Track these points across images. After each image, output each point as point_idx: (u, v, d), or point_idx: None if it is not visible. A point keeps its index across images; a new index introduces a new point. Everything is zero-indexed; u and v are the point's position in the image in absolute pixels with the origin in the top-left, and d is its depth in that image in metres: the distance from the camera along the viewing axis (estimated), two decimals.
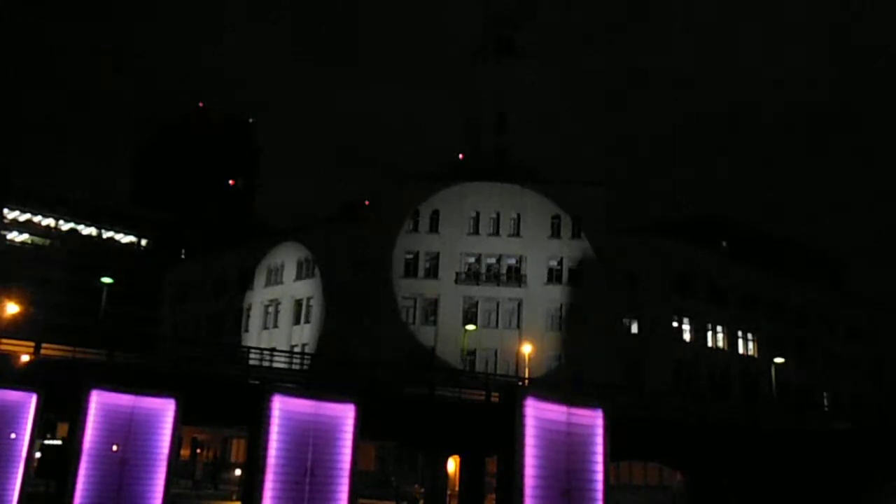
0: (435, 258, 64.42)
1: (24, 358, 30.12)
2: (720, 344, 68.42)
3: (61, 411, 22.08)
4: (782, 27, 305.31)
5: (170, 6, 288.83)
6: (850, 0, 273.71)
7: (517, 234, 65.03)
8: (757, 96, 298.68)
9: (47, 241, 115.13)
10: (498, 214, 65.44)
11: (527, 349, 55.34)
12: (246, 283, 73.50)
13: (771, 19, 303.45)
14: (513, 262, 64.48)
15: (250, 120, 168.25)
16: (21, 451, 17.17)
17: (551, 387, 46.89)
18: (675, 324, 65.47)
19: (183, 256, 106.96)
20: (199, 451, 61.76)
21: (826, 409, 71.19)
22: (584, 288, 63.38)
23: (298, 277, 68.82)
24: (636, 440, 31.55)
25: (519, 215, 65.34)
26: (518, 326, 61.75)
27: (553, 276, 64.10)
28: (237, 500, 40.18)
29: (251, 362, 39.51)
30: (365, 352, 55.25)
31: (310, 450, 14.90)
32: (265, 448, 14.51)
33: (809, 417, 51.29)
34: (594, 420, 13.38)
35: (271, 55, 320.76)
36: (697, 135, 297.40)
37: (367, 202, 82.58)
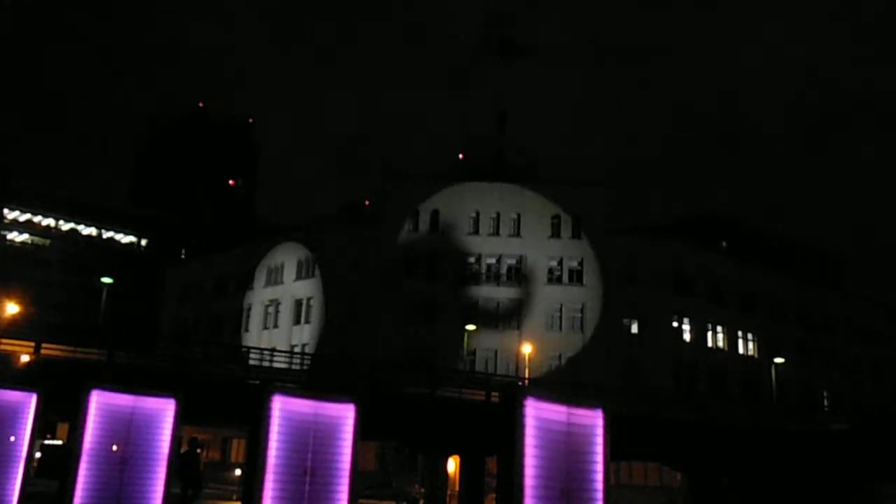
0: (435, 258, 64.42)
1: (24, 358, 30.10)
2: (720, 344, 68.41)
3: (61, 411, 22.10)
4: (782, 28, 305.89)
5: (170, 5, 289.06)
6: None
7: (517, 234, 65.07)
8: (757, 97, 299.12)
9: (47, 241, 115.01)
10: (498, 214, 65.48)
11: (527, 349, 55.34)
12: (246, 283, 73.56)
13: (769, 19, 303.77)
14: (513, 262, 64.51)
15: (250, 120, 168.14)
16: (21, 451, 17.15)
17: (551, 386, 46.90)
18: (675, 324, 65.43)
19: (183, 256, 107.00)
20: (199, 450, 61.78)
21: (826, 409, 71.19)
22: (584, 288, 63.43)
23: (298, 277, 68.88)
24: (636, 440, 31.56)
25: (519, 215, 65.37)
26: (518, 326, 61.76)
27: (553, 276, 64.15)
28: (237, 499, 40.22)
29: (251, 362, 39.56)
30: (365, 352, 55.22)
31: (310, 450, 14.87)
32: (265, 448, 14.49)
33: (809, 417, 51.31)
34: (594, 420, 13.35)
35: (271, 55, 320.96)
36: (698, 135, 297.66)
37: (367, 202, 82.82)
